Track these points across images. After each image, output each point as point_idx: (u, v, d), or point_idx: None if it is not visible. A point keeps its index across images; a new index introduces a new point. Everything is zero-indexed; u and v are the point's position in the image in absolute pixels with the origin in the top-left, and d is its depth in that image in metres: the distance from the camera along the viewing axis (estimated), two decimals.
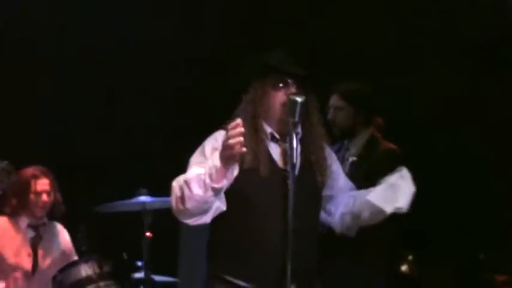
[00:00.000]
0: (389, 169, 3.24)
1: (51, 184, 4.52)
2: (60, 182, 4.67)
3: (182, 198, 2.81)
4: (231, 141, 2.69)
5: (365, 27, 5.48)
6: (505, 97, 5.06)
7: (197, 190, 2.77)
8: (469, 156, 5.10)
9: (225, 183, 2.81)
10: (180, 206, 2.82)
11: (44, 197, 4.48)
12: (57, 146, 5.43)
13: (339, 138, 4.15)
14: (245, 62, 3.16)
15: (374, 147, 4.13)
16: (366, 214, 3.14)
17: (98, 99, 5.73)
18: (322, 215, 3.21)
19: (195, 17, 5.73)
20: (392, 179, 3.06)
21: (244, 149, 2.73)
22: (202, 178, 2.77)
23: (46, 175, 4.51)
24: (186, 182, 2.80)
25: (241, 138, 2.70)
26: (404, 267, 4.65)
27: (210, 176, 2.76)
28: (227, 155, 2.73)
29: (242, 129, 2.71)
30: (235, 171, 2.84)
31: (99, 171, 5.63)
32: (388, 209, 3.02)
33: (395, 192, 3.02)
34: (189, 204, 2.80)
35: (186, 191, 2.79)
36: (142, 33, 5.73)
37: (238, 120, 2.73)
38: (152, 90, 5.84)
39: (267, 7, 5.61)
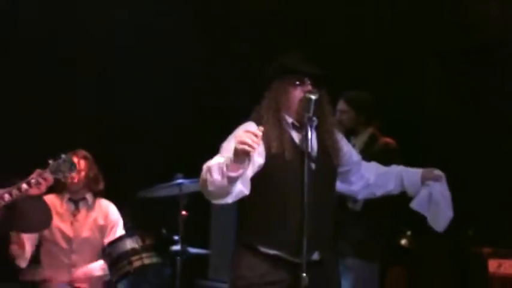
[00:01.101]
0: (386, 159, 3.84)
1: (79, 162, 4.78)
2: (106, 170, 5.01)
3: (206, 182, 3.02)
4: (245, 139, 2.88)
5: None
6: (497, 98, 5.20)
7: (216, 176, 2.98)
8: (462, 148, 5.26)
9: (240, 173, 2.98)
10: (204, 188, 3.05)
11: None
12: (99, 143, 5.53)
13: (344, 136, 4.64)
14: (267, 64, 3.38)
15: (373, 143, 4.56)
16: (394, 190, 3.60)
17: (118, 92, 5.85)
18: (344, 187, 3.51)
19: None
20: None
21: (253, 150, 2.88)
22: (221, 166, 2.97)
23: (75, 155, 4.76)
24: (209, 169, 3.01)
25: (251, 141, 2.87)
26: (403, 241, 4.89)
27: (227, 166, 2.96)
28: (238, 151, 2.92)
29: (259, 134, 2.90)
30: (248, 163, 3.00)
31: (141, 158, 5.90)
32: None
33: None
34: (210, 188, 3.02)
35: (208, 176, 3.00)
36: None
37: (259, 132, 2.91)
38: (186, 79, 5.94)
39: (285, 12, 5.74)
